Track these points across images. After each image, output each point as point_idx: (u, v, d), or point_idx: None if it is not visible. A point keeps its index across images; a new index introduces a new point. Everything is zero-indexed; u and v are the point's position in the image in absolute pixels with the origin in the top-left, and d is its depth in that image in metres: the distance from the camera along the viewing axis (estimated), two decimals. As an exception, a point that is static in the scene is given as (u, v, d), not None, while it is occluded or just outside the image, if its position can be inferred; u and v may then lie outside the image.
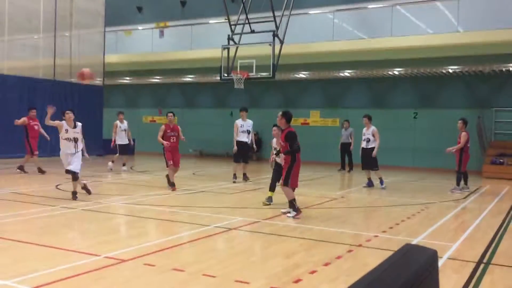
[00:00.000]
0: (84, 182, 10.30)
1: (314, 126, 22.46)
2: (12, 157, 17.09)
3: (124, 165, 16.21)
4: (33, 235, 6.66)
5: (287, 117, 8.64)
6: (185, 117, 23.93)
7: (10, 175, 14.20)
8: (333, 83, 22.21)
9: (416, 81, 20.47)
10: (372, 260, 5.68)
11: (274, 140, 9.95)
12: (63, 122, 9.92)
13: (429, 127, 20.14)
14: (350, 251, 6.21)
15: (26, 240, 6.25)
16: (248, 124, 13.79)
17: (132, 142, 17.03)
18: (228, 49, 16.68)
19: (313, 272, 5.18)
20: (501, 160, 17.54)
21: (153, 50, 22.84)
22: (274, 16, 15.81)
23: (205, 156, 24.38)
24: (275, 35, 15.68)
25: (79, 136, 10.05)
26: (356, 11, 19.62)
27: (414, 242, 6.60)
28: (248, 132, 13.73)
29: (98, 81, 22.48)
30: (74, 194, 9.76)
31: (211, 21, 21.91)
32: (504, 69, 18.41)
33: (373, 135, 13.13)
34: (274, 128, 9.61)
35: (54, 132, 14.95)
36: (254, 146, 14.17)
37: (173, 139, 11.90)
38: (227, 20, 17.14)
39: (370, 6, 18.98)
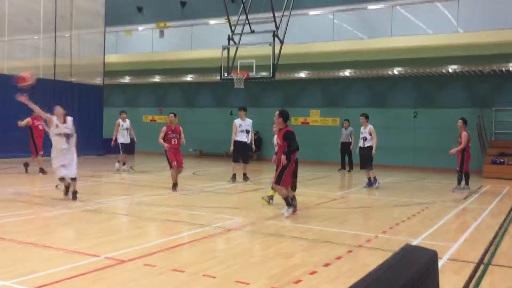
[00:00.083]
0: (68, 185, 9.89)
1: (314, 126, 22.46)
2: (12, 157, 17.10)
3: (124, 164, 16.21)
4: (33, 235, 6.66)
5: (284, 116, 8.65)
6: (185, 117, 23.93)
7: (10, 175, 14.21)
8: (333, 83, 22.22)
9: (416, 81, 20.48)
10: (372, 260, 5.69)
11: (275, 137, 9.91)
12: (53, 116, 9.68)
13: (429, 126, 20.15)
14: (350, 251, 6.22)
15: (26, 241, 6.25)
16: (247, 123, 13.73)
17: (135, 140, 17.00)
18: (228, 49, 16.70)
19: (313, 272, 5.18)
20: (502, 160, 17.54)
21: (153, 50, 22.85)
22: (274, 16, 15.83)
23: (205, 156, 24.38)
24: (275, 35, 15.70)
25: (71, 131, 9.72)
26: (356, 12, 19.63)
27: (414, 242, 6.60)
28: (247, 131, 13.66)
29: (98, 81, 22.50)
30: (74, 194, 9.76)
31: (211, 21, 21.93)
32: (504, 69, 18.42)
33: (370, 134, 13.17)
34: (275, 125, 9.62)
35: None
36: (253, 146, 14.11)
37: (174, 141, 11.77)
38: (227, 21, 17.15)
39: (370, 7, 18.99)
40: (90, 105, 21.42)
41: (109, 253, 5.71)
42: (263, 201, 9.86)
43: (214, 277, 4.91)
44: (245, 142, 13.61)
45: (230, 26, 16.93)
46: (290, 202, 8.53)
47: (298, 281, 4.85)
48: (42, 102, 17.25)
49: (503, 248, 6.66)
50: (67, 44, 21.10)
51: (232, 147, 13.62)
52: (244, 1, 16.73)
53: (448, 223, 8.52)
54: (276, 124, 8.76)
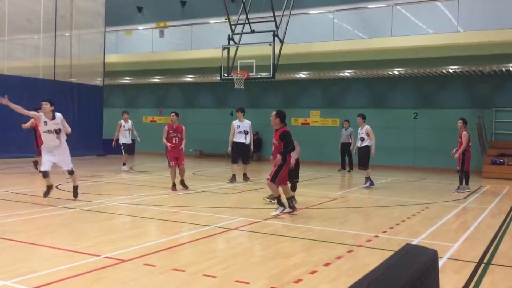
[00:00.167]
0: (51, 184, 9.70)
1: (314, 126, 22.46)
2: (12, 157, 17.11)
3: (124, 164, 16.21)
4: (33, 235, 6.66)
5: (281, 116, 8.66)
6: (185, 117, 23.92)
7: (10, 175, 14.21)
8: (333, 83, 22.22)
9: (416, 81, 20.47)
10: (372, 260, 5.68)
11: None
12: (40, 113, 9.33)
13: (429, 127, 20.14)
14: (350, 251, 6.21)
15: (26, 240, 6.25)
16: (245, 124, 13.72)
17: (138, 139, 16.95)
18: (228, 49, 16.69)
19: (313, 272, 5.17)
20: (501, 160, 17.54)
21: (153, 50, 22.85)
22: (274, 16, 15.82)
23: (205, 156, 24.38)
24: (275, 35, 15.69)
25: (61, 127, 9.39)
26: (356, 11, 19.64)
27: (415, 242, 6.59)
28: (246, 132, 13.66)
29: (98, 81, 22.50)
30: (75, 190, 9.73)
31: (211, 21, 21.92)
32: (504, 69, 18.41)
33: (367, 134, 13.22)
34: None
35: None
36: (252, 147, 14.07)
37: (175, 140, 11.74)
38: (227, 20, 17.15)
39: (370, 6, 18.98)
40: (90, 106, 21.43)
41: (109, 252, 5.70)
42: (264, 201, 9.86)
43: (214, 277, 4.91)
44: (244, 143, 13.62)
45: (230, 26, 16.93)
46: (282, 202, 8.51)
47: (298, 281, 4.85)
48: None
49: (504, 247, 6.65)
50: (67, 44, 21.12)
51: (229, 148, 13.68)
52: (244, 0, 16.72)
53: (448, 223, 8.52)
54: (273, 124, 8.75)
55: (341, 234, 7.27)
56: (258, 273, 5.18)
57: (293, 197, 9.67)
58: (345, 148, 18.35)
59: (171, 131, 11.83)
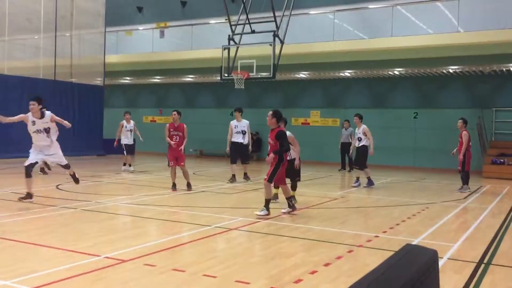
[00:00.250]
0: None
1: (314, 126, 22.46)
2: (12, 157, 17.10)
3: (124, 164, 16.20)
4: (33, 235, 6.66)
5: (277, 116, 8.65)
6: (185, 117, 23.87)
7: (10, 175, 14.21)
8: (334, 83, 22.22)
9: (417, 81, 20.47)
10: (372, 260, 5.68)
11: None
12: (28, 114, 8.94)
13: (430, 127, 20.14)
14: (350, 251, 6.21)
15: (26, 240, 6.25)
16: (243, 124, 13.70)
17: (141, 139, 16.83)
18: (229, 49, 16.69)
19: (313, 272, 5.17)
20: (502, 160, 17.54)
21: (153, 50, 22.85)
22: (274, 16, 15.82)
23: (206, 156, 24.38)
24: (275, 35, 15.69)
25: (50, 126, 9.01)
26: (357, 11, 19.63)
27: (415, 242, 6.59)
28: (244, 132, 13.65)
29: (98, 81, 22.51)
30: (74, 177, 9.64)
31: (211, 21, 21.92)
32: (504, 69, 18.41)
33: (364, 134, 13.24)
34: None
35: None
36: (250, 147, 14.02)
37: (176, 138, 11.64)
38: (227, 20, 17.15)
39: (370, 6, 18.98)
40: (90, 106, 21.43)
41: (109, 252, 5.70)
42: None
43: (214, 277, 4.91)
44: (242, 143, 13.61)
45: (231, 26, 16.93)
46: (269, 206, 8.45)
47: (298, 281, 4.85)
48: (43, 103, 17.29)
49: (504, 247, 6.65)
50: (68, 44, 21.12)
51: (228, 148, 13.69)
52: (244, 0, 16.72)
53: (449, 223, 8.52)
54: (269, 124, 8.72)
55: (341, 234, 7.27)
56: (258, 273, 5.18)
57: (293, 196, 9.68)
58: (345, 148, 18.34)
59: (171, 130, 11.76)
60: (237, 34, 16.82)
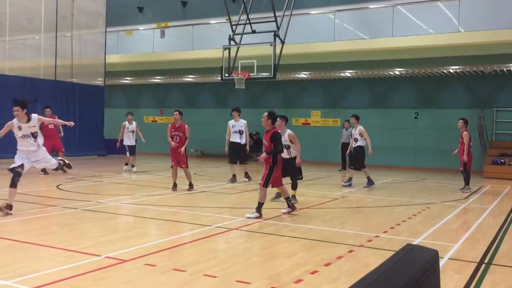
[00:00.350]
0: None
1: (315, 126, 22.45)
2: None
3: (126, 164, 16.18)
4: (34, 235, 6.66)
5: (273, 117, 8.62)
6: (186, 117, 23.88)
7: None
8: (334, 83, 22.21)
9: (417, 81, 20.46)
10: (373, 260, 5.68)
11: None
12: (13, 120, 8.39)
13: (430, 127, 20.13)
14: (351, 251, 6.21)
15: (26, 240, 6.26)
16: (240, 124, 13.66)
17: (143, 140, 16.72)
18: (229, 49, 16.70)
19: (314, 272, 5.17)
20: (502, 160, 17.53)
21: (154, 51, 22.85)
22: (275, 16, 15.82)
23: (206, 156, 24.38)
24: (276, 35, 15.69)
25: (37, 130, 8.46)
26: (357, 11, 19.62)
27: (415, 242, 6.59)
28: (241, 132, 13.63)
29: (99, 81, 22.52)
30: (65, 162, 9.12)
31: (212, 21, 21.92)
32: (505, 69, 18.40)
33: (361, 134, 13.26)
34: (278, 118, 9.62)
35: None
36: (248, 147, 13.95)
37: (176, 139, 11.60)
38: (228, 20, 17.15)
39: (371, 6, 18.97)
40: (91, 106, 21.44)
41: (110, 252, 5.70)
42: (271, 201, 9.84)
43: (214, 277, 4.91)
44: (239, 143, 13.58)
45: (231, 26, 16.93)
46: (261, 210, 8.37)
47: (298, 281, 4.85)
48: (43, 103, 17.31)
49: (504, 248, 6.65)
50: (68, 45, 21.12)
51: (226, 148, 13.69)
52: (245, 1, 16.72)
53: (449, 223, 8.51)
54: (264, 125, 8.69)
55: (342, 234, 7.27)
56: (258, 273, 5.18)
57: (293, 196, 9.70)
58: (346, 148, 18.28)
59: (172, 130, 11.72)
60: (238, 34, 16.82)
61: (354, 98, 21.78)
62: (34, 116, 8.45)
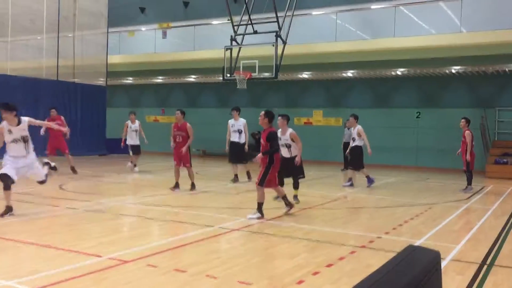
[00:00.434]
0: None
1: (317, 126, 22.45)
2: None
3: (131, 162, 16.10)
4: (35, 235, 6.66)
5: (270, 116, 8.58)
6: (187, 117, 23.90)
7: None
8: (336, 83, 22.20)
9: (419, 81, 20.44)
10: (375, 261, 5.66)
11: (280, 130, 9.86)
12: (3, 124, 8.05)
13: (432, 127, 20.11)
14: (353, 252, 6.20)
15: (28, 241, 6.26)
16: (239, 123, 13.60)
17: (146, 142, 16.58)
18: (231, 49, 16.71)
19: (316, 273, 5.16)
20: (505, 160, 17.50)
21: (156, 51, 22.87)
22: (277, 17, 15.82)
23: (208, 156, 24.39)
24: (277, 35, 15.69)
25: (27, 134, 8.10)
26: (359, 12, 19.61)
27: (417, 243, 6.58)
28: (240, 131, 13.60)
29: (101, 82, 22.55)
30: (48, 167, 8.75)
31: (214, 22, 21.93)
32: (507, 69, 18.37)
33: (359, 134, 13.22)
34: (279, 118, 9.62)
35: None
36: (246, 146, 13.90)
37: (178, 138, 11.58)
38: (229, 21, 17.16)
39: (373, 7, 18.96)
40: (93, 106, 21.47)
41: (111, 253, 5.70)
42: (273, 201, 9.82)
43: (216, 278, 4.91)
44: (238, 143, 13.55)
45: (233, 27, 16.94)
46: (262, 210, 8.33)
47: (300, 282, 4.84)
48: (45, 103, 17.35)
49: (507, 249, 6.63)
50: (70, 45, 21.16)
51: (227, 147, 13.69)
52: (246, 1, 16.73)
53: (451, 223, 8.49)
54: (260, 123, 8.65)
55: (344, 235, 7.26)
56: (260, 274, 5.18)
57: (295, 196, 9.70)
58: (348, 147, 18.32)
59: (175, 129, 11.74)
60: (240, 34, 16.83)
61: (356, 98, 21.77)
62: (25, 119, 8.15)
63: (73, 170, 13.84)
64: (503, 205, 10.75)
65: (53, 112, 14.57)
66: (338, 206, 10.22)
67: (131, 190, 12.38)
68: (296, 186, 9.96)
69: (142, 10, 26.10)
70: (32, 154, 8.25)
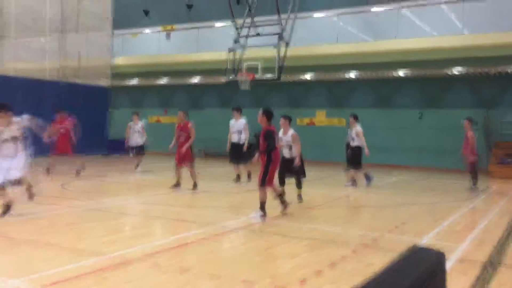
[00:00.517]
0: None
1: (319, 126, 22.43)
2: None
3: (137, 165, 16.06)
4: (37, 234, 6.66)
5: (268, 115, 8.57)
6: (190, 118, 23.90)
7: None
8: (339, 84, 22.18)
9: (421, 83, 20.41)
10: (377, 260, 5.64)
11: (282, 130, 9.85)
12: None
13: (435, 127, 20.07)
14: (355, 251, 6.18)
15: (30, 240, 6.26)
16: (239, 123, 13.55)
17: (147, 143, 16.52)
18: (234, 51, 16.73)
19: (317, 272, 5.15)
20: (509, 160, 17.45)
21: (159, 53, 22.92)
22: (279, 19, 15.85)
23: (210, 156, 24.38)
24: (280, 37, 15.71)
25: (18, 134, 8.02)
26: (361, 14, 19.62)
27: (420, 242, 6.54)
28: (240, 132, 13.57)
29: (105, 83, 22.62)
30: (30, 190, 8.59)
31: (217, 24, 21.97)
32: (509, 71, 18.32)
33: (357, 135, 13.15)
34: (282, 118, 9.61)
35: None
36: (245, 147, 13.83)
37: (181, 138, 11.61)
38: (233, 23, 17.19)
39: (374, 9, 18.98)
40: (96, 107, 21.52)
41: (113, 252, 5.70)
42: (274, 200, 9.81)
43: (218, 277, 4.89)
44: (238, 143, 13.52)
45: (236, 29, 16.97)
46: (264, 209, 8.25)
47: (302, 281, 4.82)
48: (48, 104, 17.38)
49: (511, 248, 6.59)
50: (74, 46, 21.22)
51: (227, 148, 13.68)
52: (249, 3, 16.76)
53: (455, 223, 8.46)
54: (259, 121, 8.64)
55: (346, 234, 7.24)
56: (262, 273, 5.16)
57: (299, 195, 9.69)
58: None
59: (177, 129, 11.80)
60: (243, 36, 16.85)
61: (359, 98, 21.74)
62: (18, 119, 8.10)
63: (77, 172, 13.87)
64: (507, 205, 10.71)
65: (60, 114, 14.52)
66: (340, 205, 10.21)
67: (133, 189, 12.38)
68: (299, 185, 9.94)
69: (146, 12, 26.12)
70: (22, 155, 8.11)
